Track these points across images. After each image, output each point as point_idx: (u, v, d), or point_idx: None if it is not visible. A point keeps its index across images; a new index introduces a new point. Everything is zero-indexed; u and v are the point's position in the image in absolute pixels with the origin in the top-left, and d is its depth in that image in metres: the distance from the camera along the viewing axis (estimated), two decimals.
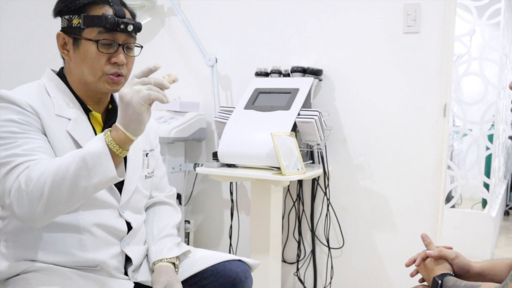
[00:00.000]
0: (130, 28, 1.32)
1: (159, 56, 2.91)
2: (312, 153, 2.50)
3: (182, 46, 2.86)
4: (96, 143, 1.13)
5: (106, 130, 1.16)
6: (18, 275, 1.27)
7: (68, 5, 1.30)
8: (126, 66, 1.34)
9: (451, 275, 1.26)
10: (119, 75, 1.33)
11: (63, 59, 1.37)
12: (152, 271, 1.41)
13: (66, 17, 1.30)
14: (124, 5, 1.36)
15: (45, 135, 1.24)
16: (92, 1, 1.29)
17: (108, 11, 1.30)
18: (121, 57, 1.31)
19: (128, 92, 1.12)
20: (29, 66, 2.70)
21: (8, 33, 2.71)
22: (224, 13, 2.74)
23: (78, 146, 1.27)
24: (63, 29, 1.32)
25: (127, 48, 1.34)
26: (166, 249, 1.45)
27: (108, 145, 1.13)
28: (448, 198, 3.86)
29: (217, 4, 2.75)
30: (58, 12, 1.33)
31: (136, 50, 1.38)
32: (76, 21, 1.28)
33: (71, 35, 1.30)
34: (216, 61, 2.61)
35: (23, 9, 2.74)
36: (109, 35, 1.29)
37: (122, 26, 1.29)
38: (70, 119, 1.29)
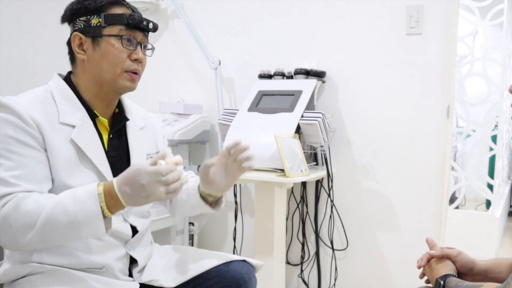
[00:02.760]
0: (151, 25, 1.38)
1: (163, 58, 2.92)
2: (315, 155, 2.50)
3: (185, 48, 2.87)
4: (90, 203, 1.14)
5: (100, 188, 1.16)
6: (24, 277, 1.28)
7: (86, 6, 1.31)
8: (141, 65, 1.38)
9: (454, 276, 1.26)
10: (135, 73, 1.36)
11: (72, 63, 1.38)
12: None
13: (83, 18, 1.31)
14: (136, 8, 1.40)
15: (45, 149, 1.23)
16: (112, 1, 1.32)
17: (126, 11, 1.34)
18: (140, 53, 1.36)
19: (149, 189, 1.12)
20: (38, 69, 2.71)
21: (17, 36, 2.71)
22: (227, 15, 2.75)
23: (82, 153, 1.28)
24: (79, 30, 1.32)
25: (143, 47, 1.38)
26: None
27: (101, 208, 1.14)
28: (452, 199, 3.85)
29: (220, 6, 2.76)
30: (72, 15, 1.33)
31: (149, 51, 1.42)
32: (95, 21, 1.31)
33: (88, 34, 1.31)
34: (220, 64, 2.62)
35: (32, 12, 2.75)
36: (130, 32, 1.33)
37: (144, 23, 1.35)
38: (74, 126, 1.29)
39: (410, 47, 2.32)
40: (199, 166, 2.70)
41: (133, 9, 1.36)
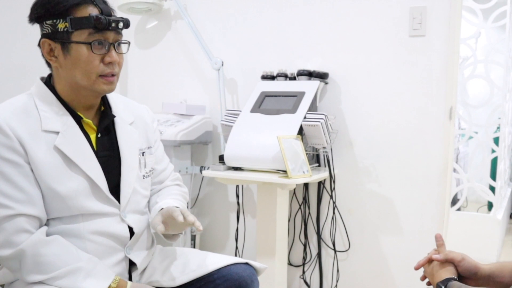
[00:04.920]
0: (121, 25, 1.29)
1: (166, 59, 2.93)
2: (318, 156, 2.50)
3: (188, 49, 2.87)
4: None
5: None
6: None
7: (49, 10, 1.24)
8: (118, 64, 1.32)
9: (455, 279, 1.26)
10: (112, 75, 1.31)
11: (49, 66, 1.34)
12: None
13: (49, 22, 1.25)
14: (106, 2, 1.32)
15: (28, 162, 1.22)
16: (76, 3, 1.24)
17: (94, 10, 1.26)
18: (114, 55, 1.29)
19: None
20: (34, 70, 2.71)
21: (10, 37, 2.71)
22: (230, 16, 2.75)
23: (67, 160, 1.27)
24: (47, 35, 1.27)
25: (117, 45, 1.31)
26: (171, 200, 1.48)
27: None
28: (454, 201, 3.85)
29: (223, 7, 2.76)
30: (37, 18, 1.28)
31: (124, 47, 1.36)
32: (62, 25, 1.24)
33: (57, 40, 1.26)
34: (222, 64, 2.62)
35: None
36: (100, 35, 1.26)
37: (113, 25, 1.26)
38: (58, 132, 1.27)
39: (412, 49, 2.32)
40: (201, 167, 2.70)
41: (101, 7, 1.27)
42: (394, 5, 2.34)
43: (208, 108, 2.79)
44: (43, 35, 1.28)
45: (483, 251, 3.49)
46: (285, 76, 2.48)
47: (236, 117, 2.36)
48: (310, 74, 2.42)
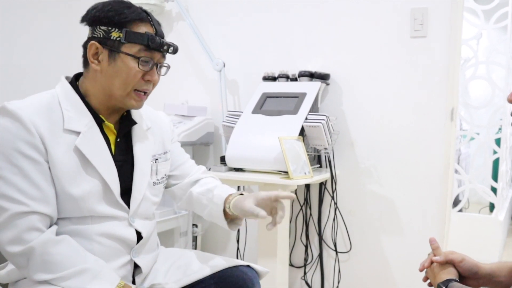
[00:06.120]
0: (171, 50, 1.36)
1: (167, 60, 2.92)
2: (319, 157, 2.50)
3: (190, 50, 2.88)
4: None
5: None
6: (26, 277, 1.28)
7: (109, 17, 1.27)
8: (153, 84, 1.37)
9: (456, 280, 1.26)
10: (145, 93, 1.35)
11: (85, 66, 1.34)
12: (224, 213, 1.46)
13: (103, 28, 1.28)
14: (160, 25, 1.37)
15: (47, 161, 1.22)
16: (137, 18, 1.29)
17: (150, 29, 1.31)
18: (155, 75, 1.35)
19: None
20: (45, 71, 2.72)
21: (32, 37, 2.71)
22: (231, 18, 2.76)
23: (85, 161, 1.27)
24: (97, 39, 1.29)
25: (159, 67, 1.36)
26: (229, 189, 1.52)
27: None
28: (455, 202, 3.85)
29: (224, 9, 2.77)
30: (93, 21, 1.30)
31: (164, 70, 1.40)
32: (115, 34, 1.27)
33: (106, 46, 1.28)
34: (224, 66, 2.63)
35: (42, 15, 2.76)
36: (149, 53, 1.31)
37: (165, 47, 1.33)
38: (79, 133, 1.27)
39: (414, 50, 2.32)
40: None
41: (157, 28, 1.33)
42: (395, 6, 2.34)
43: (209, 109, 2.79)
44: (93, 38, 1.30)
45: (485, 253, 3.48)
46: (286, 77, 2.48)
47: (238, 118, 2.36)
48: (312, 75, 2.42)
